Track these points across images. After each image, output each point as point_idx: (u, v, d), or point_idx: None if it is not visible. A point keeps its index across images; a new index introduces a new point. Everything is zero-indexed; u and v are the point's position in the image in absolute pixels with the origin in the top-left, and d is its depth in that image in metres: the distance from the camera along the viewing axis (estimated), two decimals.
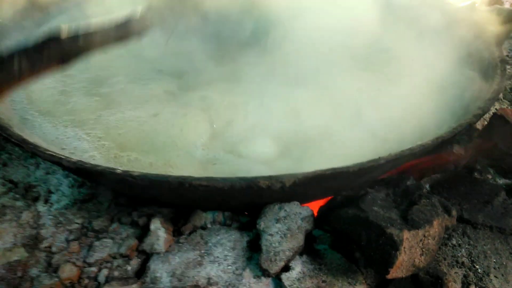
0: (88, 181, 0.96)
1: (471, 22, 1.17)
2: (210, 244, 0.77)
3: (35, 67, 0.69)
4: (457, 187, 0.90)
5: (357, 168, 0.65)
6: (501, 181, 1.01)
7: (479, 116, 0.80)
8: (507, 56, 2.03)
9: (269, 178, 0.64)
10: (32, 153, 0.71)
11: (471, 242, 0.79)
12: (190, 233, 0.81)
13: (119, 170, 0.65)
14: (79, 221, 0.87)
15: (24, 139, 0.73)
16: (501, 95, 1.46)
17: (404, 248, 0.62)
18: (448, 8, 1.27)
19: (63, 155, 0.68)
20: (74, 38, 0.72)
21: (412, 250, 0.64)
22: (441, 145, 0.76)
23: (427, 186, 0.92)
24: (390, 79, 1.16)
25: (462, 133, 1.01)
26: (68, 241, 0.82)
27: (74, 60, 0.74)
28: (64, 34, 0.71)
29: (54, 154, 0.68)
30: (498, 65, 0.98)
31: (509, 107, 1.39)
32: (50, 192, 0.97)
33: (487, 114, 1.12)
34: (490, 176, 1.01)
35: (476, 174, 1.00)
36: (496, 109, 1.36)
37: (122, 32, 0.83)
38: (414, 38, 1.19)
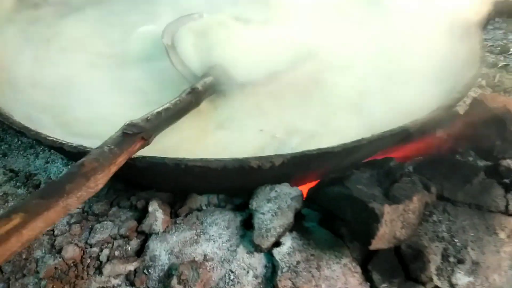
0: None
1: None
2: (205, 224, 0.82)
3: None
4: (439, 168, 0.95)
5: (341, 148, 0.69)
6: (482, 163, 1.06)
7: (457, 100, 0.85)
8: (492, 46, 2.10)
9: (260, 158, 0.69)
10: (35, 140, 0.75)
11: (451, 218, 0.84)
12: (186, 215, 0.86)
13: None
14: (80, 206, 0.91)
15: (26, 126, 0.76)
16: (484, 82, 1.52)
17: (385, 221, 0.67)
18: None
19: (64, 141, 0.72)
20: None
21: (393, 223, 0.69)
22: (422, 128, 0.81)
23: (410, 167, 0.97)
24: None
25: (444, 117, 1.06)
26: (69, 224, 0.86)
27: None
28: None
29: (56, 140, 0.72)
30: (478, 52, 1.02)
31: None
32: (50, 179, 1.01)
33: (468, 99, 1.18)
34: (471, 158, 1.06)
35: (457, 156, 1.05)
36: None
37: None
38: None
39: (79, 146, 0.70)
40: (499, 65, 1.69)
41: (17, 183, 1.01)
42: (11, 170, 1.05)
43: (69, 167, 0.61)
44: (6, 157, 1.10)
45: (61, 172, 1.02)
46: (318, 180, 0.89)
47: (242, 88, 1.03)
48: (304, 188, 0.89)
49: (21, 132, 0.75)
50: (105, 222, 0.85)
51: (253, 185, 0.83)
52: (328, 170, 0.85)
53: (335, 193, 0.75)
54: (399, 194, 0.72)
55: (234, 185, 0.84)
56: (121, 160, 0.63)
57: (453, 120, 1.13)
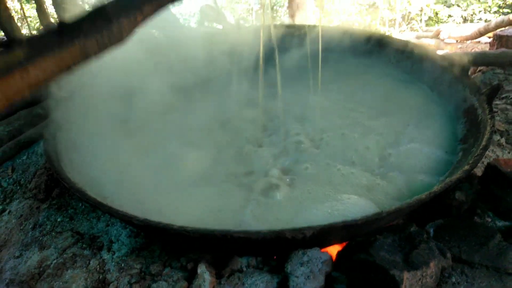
0: (144, 233, 1.15)
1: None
2: (246, 285, 0.94)
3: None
4: (457, 230, 1.03)
5: (364, 220, 0.81)
6: (500, 223, 1.14)
7: (467, 172, 0.95)
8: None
9: (293, 230, 0.81)
10: (108, 213, 0.91)
11: (469, 280, 0.92)
12: (229, 276, 0.98)
13: (175, 226, 0.84)
14: (138, 266, 1.06)
15: (100, 202, 0.93)
16: (503, 140, 1.59)
17: (405, 286, 0.77)
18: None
19: (133, 215, 0.87)
20: None
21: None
22: (435, 198, 0.91)
23: (432, 230, 1.06)
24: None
25: (463, 181, 1.16)
26: (130, 283, 1.00)
27: None
28: None
29: (126, 214, 0.88)
30: (488, 121, 1.13)
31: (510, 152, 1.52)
32: (111, 241, 1.17)
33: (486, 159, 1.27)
34: (489, 219, 1.14)
35: (476, 218, 1.13)
36: (497, 155, 1.50)
37: None
38: None
39: (145, 220, 0.86)
40: None
41: (83, 245, 1.17)
42: (78, 233, 1.22)
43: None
44: (73, 221, 1.27)
45: (120, 234, 1.18)
46: (346, 242, 1.00)
47: None
48: (334, 250, 1.00)
49: (97, 207, 0.92)
50: (160, 282, 0.98)
51: (287, 250, 0.95)
52: (354, 235, 0.96)
53: (361, 260, 0.85)
54: (417, 260, 0.82)
55: (271, 250, 0.96)
56: (148, 9, 0.56)
57: (471, 183, 1.22)
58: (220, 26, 2.19)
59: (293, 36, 1.84)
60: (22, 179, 1.72)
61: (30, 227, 1.33)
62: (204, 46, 1.62)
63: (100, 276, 1.06)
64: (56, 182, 1.46)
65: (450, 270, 0.93)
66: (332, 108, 1.52)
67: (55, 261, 1.13)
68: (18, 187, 1.69)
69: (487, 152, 1.44)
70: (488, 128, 1.09)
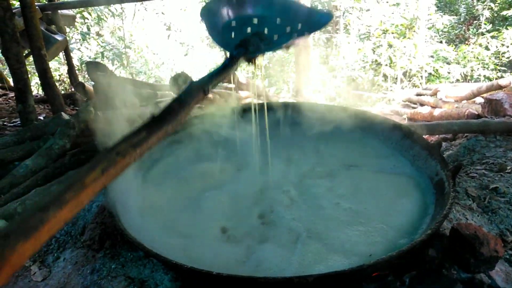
0: (182, 277, 1.47)
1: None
2: None
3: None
4: (427, 280, 1.34)
5: (349, 271, 1.13)
6: (464, 275, 1.44)
7: (429, 235, 1.27)
8: (492, 164, 2.48)
9: (299, 277, 1.14)
10: (161, 262, 1.24)
11: None
12: None
13: (214, 272, 1.17)
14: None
15: (164, 258, 1.26)
16: (474, 205, 1.91)
17: None
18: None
19: (180, 262, 1.20)
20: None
21: None
22: (405, 255, 1.23)
23: (407, 280, 1.36)
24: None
25: (435, 240, 1.48)
26: None
27: None
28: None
29: (178, 263, 1.21)
30: (451, 194, 1.46)
31: (480, 215, 1.83)
32: (156, 284, 1.49)
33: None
34: (455, 272, 1.44)
35: (444, 270, 1.43)
36: (466, 218, 1.81)
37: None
38: None
39: (191, 267, 1.19)
40: (491, 187, 2.08)
41: (135, 287, 1.49)
42: (129, 277, 1.54)
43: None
44: (124, 267, 1.60)
45: (163, 279, 1.50)
46: None
47: None
48: None
49: (154, 256, 1.25)
50: None
51: None
52: (345, 282, 1.27)
53: None
54: None
55: None
56: (192, 106, 0.89)
57: (442, 241, 1.54)
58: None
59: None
60: (72, 231, 2.06)
61: (88, 272, 1.66)
62: None
63: None
64: (108, 235, 1.80)
65: None
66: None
67: None
68: (69, 238, 2.03)
69: (458, 215, 1.77)
70: (450, 200, 1.42)
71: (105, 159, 0.66)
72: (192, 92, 0.91)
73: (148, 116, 0.82)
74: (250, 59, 1.16)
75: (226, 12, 1.35)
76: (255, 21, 1.32)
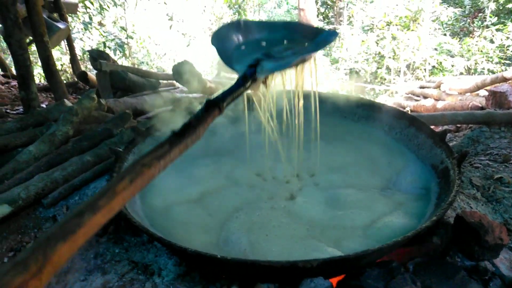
0: (186, 262, 1.47)
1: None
2: None
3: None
4: (431, 267, 1.34)
5: (354, 256, 1.13)
6: (467, 263, 1.43)
7: (434, 222, 1.27)
8: (496, 155, 2.47)
9: (304, 261, 1.13)
10: (167, 247, 1.24)
11: None
12: None
13: (219, 256, 1.17)
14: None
15: (169, 242, 1.25)
16: (479, 194, 1.90)
17: None
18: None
19: (186, 247, 1.20)
20: None
21: None
22: (411, 241, 1.23)
23: (411, 266, 1.36)
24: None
25: (435, 228, 1.47)
26: None
27: None
28: None
29: (183, 247, 1.20)
30: (456, 182, 1.46)
31: (484, 205, 1.83)
32: (160, 269, 1.49)
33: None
34: (458, 259, 1.44)
35: (448, 258, 1.43)
36: (471, 207, 1.81)
37: None
38: None
39: (195, 251, 1.18)
40: (495, 177, 2.07)
41: (138, 271, 1.49)
42: (133, 262, 1.55)
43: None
44: (128, 252, 1.60)
45: (167, 263, 1.50)
46: (345, 275, 1.31)
47: None
48: (335, 280, 1.30)
49: (158, 239, 1.25)
50: None
51: (299, 278, 1.26)
52: (350, 268, 1.27)
53: (353, 286, 1.16)
54: (394, 287, 1.13)
55: (286, 277, 1.27)
56: (209, 122, 0.90)
57: (446, 229, 1.53)
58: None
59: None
60: None
61: (91, 256, 1.66)
62: None
63: None
64: (111, 220, 1.79)
65: None
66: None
67: (116, 283, 1.45)
68: None
69: (462, 204, 1.76)
70: (455, 187, 1.42)
71: (133, 170, 0.72)
72: (208, 109, 0.95)
73: (170, 132, 0.86)
74: (262, 80, 1.20)
75: (235, 37, 1.41)
76: (264, 43, 1.39)
